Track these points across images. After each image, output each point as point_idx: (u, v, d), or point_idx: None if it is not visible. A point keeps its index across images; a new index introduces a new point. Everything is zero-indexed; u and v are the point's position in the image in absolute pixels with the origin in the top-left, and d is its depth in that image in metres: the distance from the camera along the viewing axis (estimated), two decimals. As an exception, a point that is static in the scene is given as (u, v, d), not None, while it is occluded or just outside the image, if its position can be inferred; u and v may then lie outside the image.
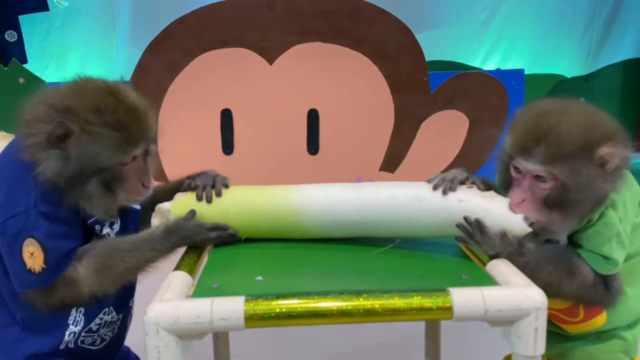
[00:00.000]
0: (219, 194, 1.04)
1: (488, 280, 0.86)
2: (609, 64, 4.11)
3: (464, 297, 0.77)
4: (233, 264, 0.98)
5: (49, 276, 0.95)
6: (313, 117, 2.89)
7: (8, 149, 1.02)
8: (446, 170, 1.03)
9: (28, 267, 0.94)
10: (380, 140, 2.91)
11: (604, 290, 0.97)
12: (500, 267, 0.88)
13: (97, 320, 1.05)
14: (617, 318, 1.02)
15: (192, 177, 1.09)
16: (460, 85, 2.88)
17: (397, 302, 0.77)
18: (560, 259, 0.97)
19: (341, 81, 2.85)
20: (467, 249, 1.01)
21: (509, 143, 0.97)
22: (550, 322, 1.03)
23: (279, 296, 0.78)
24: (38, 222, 0.94)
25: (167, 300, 0.79)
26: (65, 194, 0.95)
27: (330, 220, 1.03)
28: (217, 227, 1.02)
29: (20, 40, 4.04)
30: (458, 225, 0.95)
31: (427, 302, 0.77)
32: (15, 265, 0.95)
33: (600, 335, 1.04)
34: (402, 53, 2.82)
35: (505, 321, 0.79)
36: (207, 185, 1.05)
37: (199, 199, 1.04)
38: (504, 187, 1.00)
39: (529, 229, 0.94)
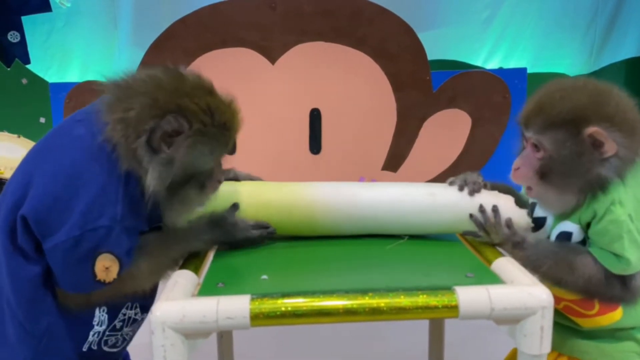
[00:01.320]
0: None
1: (493, 279, 0.86)
2: (612, 63, 4.10)
3: (470, 296, 0.77)
4: (238, 262, 0.98)
5: (114, 280, 0.90)
6: (315, 117, 2.89)
7: (83, 142, 0.88)
8: (451, 171, 1.07)
9: (98, 278, 0.87)
10: (382, 139, 2.90)
11: (621, 288, 0.96)
12: (506, 266, 0.88)
13: (121, 317, 1.00)
14: (634, 316, 1.00)
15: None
16: (463, 84, 2.87)
17: (403, 300, 0.77)
18: (560, 254, 0.97)
19: (343, 80, 2.84)
20: (473, 248, 1.01)
21: (521, 113, 1.02)
22: (564, 316, 1.04)
23: (285, 295, 0.78)
24: (121, 239, 0.87)
25: (173, 299, 0.79)
26: (160, 201, 0.88)
27: (344, 214, 1.04)
28: (259, 225, 1.01)
29: (23, 41, 4.05)
30: (471, 215, 1.00)
31: (432, 300, 0.77)
32: (79, 276, 0.87)
33: (615, 334, 1.03)
34: (404, 52, 2.82)
35: (511, 320, 0.79)
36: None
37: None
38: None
39: (532, 225, 0.99)
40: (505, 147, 2.88)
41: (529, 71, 3.06)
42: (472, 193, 1.02)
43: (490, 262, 0.92)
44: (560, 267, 0.95)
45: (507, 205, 1.00)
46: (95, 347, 1.00)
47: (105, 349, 1.02)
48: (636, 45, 4.12)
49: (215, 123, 0.90)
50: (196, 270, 0.92)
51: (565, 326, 1.05)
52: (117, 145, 0.87)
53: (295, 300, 0.77)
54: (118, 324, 1.00)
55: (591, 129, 0.91)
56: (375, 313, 0.77)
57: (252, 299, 0.77)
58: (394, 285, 0.80)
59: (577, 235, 1.00)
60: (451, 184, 1.05)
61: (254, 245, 1.03)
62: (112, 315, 0.99)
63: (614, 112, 0.93)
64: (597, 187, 0.94)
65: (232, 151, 1.01)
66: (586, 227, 0.98)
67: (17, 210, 0.88)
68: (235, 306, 0.76)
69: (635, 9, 4.04)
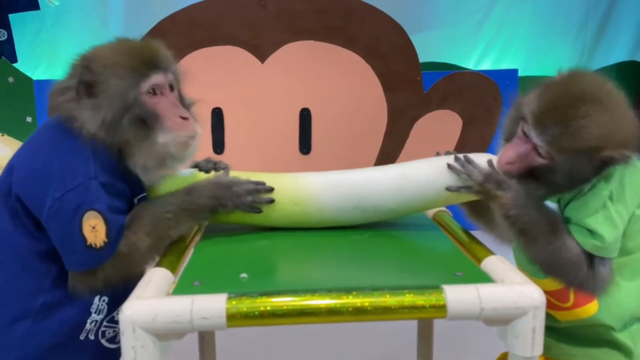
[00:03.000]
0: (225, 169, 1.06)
1: (483, 278, 0.82)
2: (603, 66, 4.11)
3: (459, 295, 0.74)
4: (217, 260, 0.94)
5: (109, 251, 0.91)
6: (305, 116, 2.86)
7: (49, 124, 0.98)
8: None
9: (89, 242, 0.89)
10: (373, 139, 2.88)
11: (588, 272, 0.93)
12: (496, 264, 0.85)
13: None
14: (609, 311, 0.98)
15: (196, 164, 1.08)
16: (454, 85, 2.86)
17: (388, 299, 0.73)
18: (545, 211, 0.94)
19: (334, 80, 2.82)
20: (462, 246, 0.98)
21: (531, 105, 0.95)
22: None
23: (264, 294, 0.74)
24: (99, 194, 0.89)
25: (144, 297, 0.74)
26: (111, 149, 0.92)
27: (336, 192, 1.03)
28: (255, 188, 1.00)
29: (10, 39, 3.99)
30: (449, 165, 0.99)
31: (419, 299, 0.73)
32: (73, 243, 0.89)
33: (596, 334, 1.00)
34: (395, 52, 2.80)
35: (501, 320, 0.76)
36: (210, 169, 1.06)
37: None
38: (506, 136, 1.01)
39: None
40: (496, 148, 2.87)
41: (520, 74, 3.05)
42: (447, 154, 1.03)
43: (480, 261, 0.89)
44: (541, 224, 0.92)
45: (481, 160, 0.99)
46: (92, 337, 0.99)
47: (104, 342, 1.00)
48: (627, 49, 4.13)
49: (117, 54, 0.94)
50: (172, 268, 0.87)
51: (550, 328, 1.02)
52: (63, 112, 0.95)
53: (274, 299, 0.73)
54: (116, 316, 0.99)
55: (606, 154, 0.91)
56: (359, 313, 0.73)
57: (229, 298, 0.73)
58: (379, 284, 0.77)
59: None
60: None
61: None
62: (112, 306, 0.99)
63: (627, 135, 0.92)
64: (585, 184, 0.94)
65: (171, 88, 0.99)
66: (565, 205, 0.96)
67: (10, 192, 0.95)
68: (210, 305, 0.72)
69: (626, 14, 4.07)
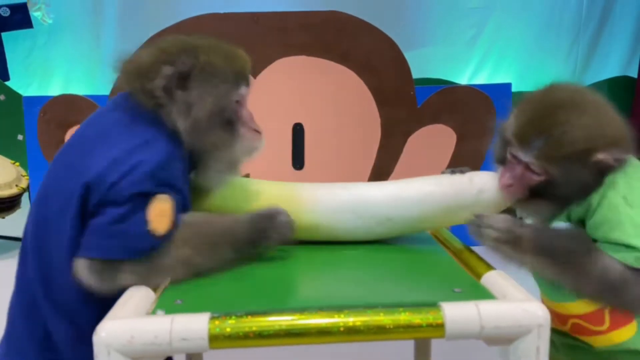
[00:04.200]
0: None
1: (484, 294, 0.78)
2: (595, 82, 4.14)
3: (458, 313, 0.69)
4: (202, 277, 0.89)
5: (162, 242, 0.83)
6: (298, 132, 2.82)
7: (112, 106, 0.93)
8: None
9: (151, 227, 0.80)
10: (366, 155, 2.85)
11: (636, 288, 0.86)
12: (497, 280, 0.81)
13: None
14: None
15: None
16: (447, 100, 2.84)
17: (383, 318, 0.69)
18: (577, 235, 0.89)
19: (327, 95, 2.80)
20: (460, 260, 0.94)
21: (511, 127, 0.94)
22: (575, 338, 0.97)
23: (249, 313, 0.69)
24: (173, 180, 0.85)
25: (121, 317, 0.69)
26: (192, 146, 0.89)
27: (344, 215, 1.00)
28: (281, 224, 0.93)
29: (2, 57, 3.97)
30: (469, 229, 0.93)
31: (416, 318, 0.69)
32: (130, 225, 0.80)
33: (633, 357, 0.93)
34: (388, 67, 2.79)
35: (503, 339, 0.71)
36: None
37: None
38: (498, 161, 1.00)
39: (507, 203, 0.98)
40: (490, 163, 2.85)
41: (513, 90, 3.04)
42: (454, 172, 1.01)
43: (479, 276, 0.84)
44: (572, 248, 0.87)
45: (483, 179, 0.98)
46: None
47: None
48: (618, 65, 4.17)
49: (218, 55, 0.92)
50: (154, 286, 0.82)
51: (576, 347, 0.98)
52: (145, 99, 0.88)
53: (260, 319, 0.68)
54: None
55: (600, 156, 0.88)
56: (351, 333, 0.68)
57: (212, 318, 0.68)
58: (373, 301, 0.72)
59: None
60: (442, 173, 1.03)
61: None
62: None
63: (616, 133, 0.90)
64: (590, 193, 0.90)
65: (245, 77, 0.98)
66: (580, 224, 0.92)
67: (81, 192, 0.83)
68: (191, 326, 0.67)
69: (618, 30, 4.11)
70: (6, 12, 3.91)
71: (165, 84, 0.88)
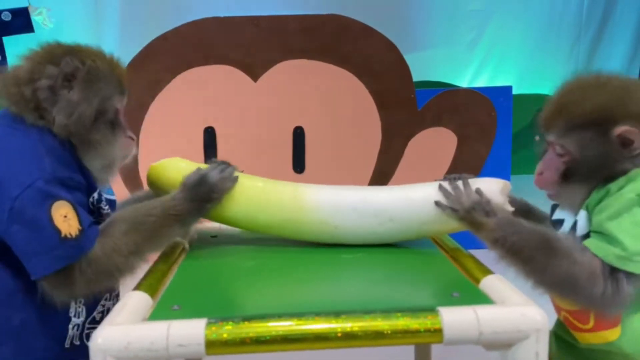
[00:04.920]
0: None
1: (482, 299, 0.77)
2: (596, 84, 4.13)
3: (456, 318, 0.69)
4: (200, 282, 0.89)
5: (87, 241, 0.85)
6: (299, 135, 2.82)
7: None
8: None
9: (63, 234, 0.82)
10: (367, 158, 2.84)
11: (609, 288, 0.79)
12: (496, 284, 0.80)
13: (100, 308, 0.98)
14: (633, 340, 0.89)
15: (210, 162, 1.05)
16: (448, 103, 2.84)
17: (380, 323, 0.68)
18: (539, 229, 0.86)
19: (327, 98, 2.79)
20: (459, 264, 0.93)
21: (540, 117, 0.97)
22: (566, 329, 0.96)
23: (247, 318, 0.69)
24: (59, 189, 0.85)
25: (117, 323, 0.69)
26: (75, 146, 0.92)
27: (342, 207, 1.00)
28: (221, 172, 0.98)
29: (4, 62, 3.97)
30: (440, 186, 0.96)
31: (413, 323, 0.68)
32: (45, 239, 0.82)
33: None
34: (388, 70, 2.79)
35: (502, 344, 0.70)
36: (216, 169, 1.01)
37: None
38: (539, 156, 1.00)
39: (510, 208, 0.96)
40: (491, 166, 2.84)
41: (514, 92, 3.04)
42: (456, 179, 0.99)
43: (478, 280, 0.84)
44: (533, 242, 0.83)
45: (488, 187, 0.96)
46: (77, 342, 0.96)
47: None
48: (619, 67, 4.17)
49: (103, 61, 0.97)
50: (152, 291, 0.82)
51: (567, 343, 0.97)
52: (17, 104, 0.91)
53: (258, 325, 0.68)
54: (97, 316, 0.98)
55: (621, 129, 0.86)
56: (349, 338, 0.68)
57: (209, 324, 0.68)
58: (370, 306, 0.71)
59: (582, 225, 0.89)
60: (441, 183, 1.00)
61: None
62: (90, 307, 0.96)
63: (638, 109, 0.87)
64: (622, 175, 0.88)
65: (124, 88, 1.02)
66: (594, 209, 0.88)
67: None
68: (188, 332, 0.67)
69: (618, 32, 4.11)
70: (8, 17, 3.93)
71: (50, 83, 0.90)
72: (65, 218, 0.83)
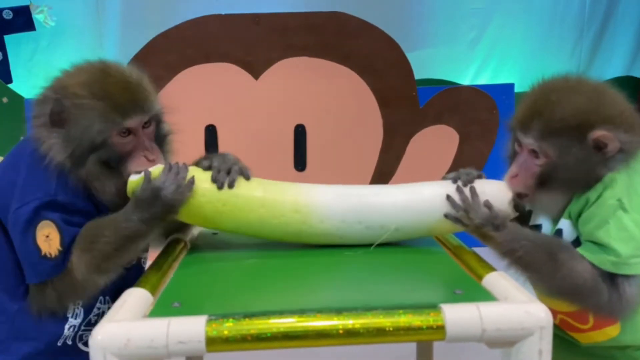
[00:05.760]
0: (231, 185, 0.95)
1: (485, 296, 0.77)
2: (598, 82, 4.11)
3: (458, 315, 0.68)
4: (201, 279, 0.89)
5: (63, 261, 0.91)
6: (300, 133, 2.82)
7: (25, 142, 1.00)
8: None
9: (43, 252, 0.90)
10: (369, 156, 2.84)
11: (612, 294, 0.84)
12: (499, 281, 0.79)
13: (95, 311, 1.00)
14: (633, 332, 0.90)
15: (209, 157, 1.00)
16: (450, 100, 2.83)
17: (382, 320, 0.68)
18: (542, 241, 0.89)
19: (328, 96, 2.79)
20: (461, 261, 0.92)
21: (513, 118, 0.97)
22: (564, 332, 0.96)
23: (247, 315, 0.68)
24: (55, 209, 0.91)
25: (117, 320, 0.68)
26: (76, 178, 0.94)
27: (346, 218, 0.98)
28: (177, 180, 0.91)
29: (5, 60, 3.98)
30: (448, 197, 0.95)
31: (416, 320, 0.68)
32: (29, 254, 0.91)
33: (614, 354, 0.94)
34: (390, 68, 2.78)
35: (505, 342, 0.70)
36: (222, 170, 0.96)
37: (214, 181, 0.95)
38: (510, 157, 1.01)
39: (515, 213, 0.95)
40: (494, 164, 2.83)
41: (515, 91, 3.03)
42: (465, 184, 0.96)
43: (481, 278, 0.83)
44: (539, 255, 0.86)
45: (492, 189, 0.95)
46: (70, 343, 0.97)
47: (80, 345, 0.99)
48: (621, 65, 4.14)
49: (88, 94, 0.93)
50: (152, 289, 0.81)
51: (567, 341, 0.97)
52: (33, 135, 0.96)
53: (259, 322, 0.67)
54: (93, 318, 0.99)
55: (597, 133, 0.88)
56: (350, 336, 0.67)
57: (209, 321, 0.67)
58: (372, 303, 0.71)
59: (567, 233, 0.92)
60: (444, 178, 1.00)
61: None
62: (87, 309, 0.98)
63: (614, 112, 0.89)
64: (599, 181, 0.89)
65: (146, 127, 0.97)
66: (577, 219, 0.91)
67: None
68: (188, 328, 0.66)
69: (621, 30, 4.09)
70: (9, 15, 3.92)
71: (43, 121, 0.94)
72: (46, 238, 0.89)
